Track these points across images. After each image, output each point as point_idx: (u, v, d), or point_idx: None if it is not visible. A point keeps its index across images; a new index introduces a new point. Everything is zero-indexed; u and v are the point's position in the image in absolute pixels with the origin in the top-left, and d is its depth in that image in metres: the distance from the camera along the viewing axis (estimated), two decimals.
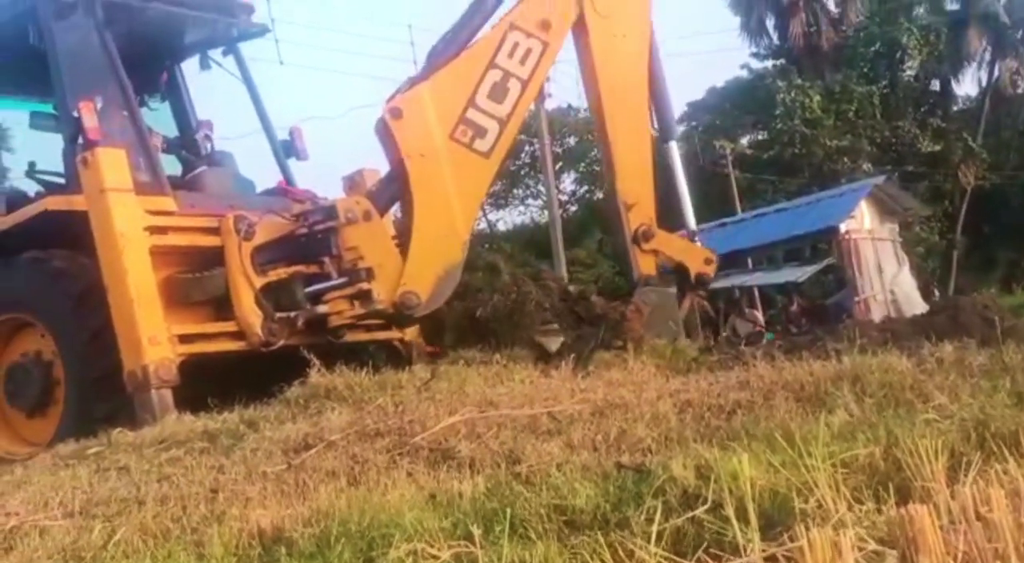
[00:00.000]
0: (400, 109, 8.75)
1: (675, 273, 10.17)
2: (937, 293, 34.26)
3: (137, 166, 9.00)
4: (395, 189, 9.03)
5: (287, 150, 10.89)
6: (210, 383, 8.18)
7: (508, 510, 3.89)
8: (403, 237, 8.98)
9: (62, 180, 9.51)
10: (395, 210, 9.86)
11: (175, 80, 11.23)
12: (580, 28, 9.63)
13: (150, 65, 10.74)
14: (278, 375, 7.62)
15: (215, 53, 10.83)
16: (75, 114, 8.75)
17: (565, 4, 9.41)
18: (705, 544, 3.11)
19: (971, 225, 41.37)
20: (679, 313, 9.77)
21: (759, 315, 23.91)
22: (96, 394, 8.37)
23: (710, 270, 10.33)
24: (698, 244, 10.97)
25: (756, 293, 27.92)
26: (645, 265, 9.86)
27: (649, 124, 10.38)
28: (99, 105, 9.34)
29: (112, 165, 8.43)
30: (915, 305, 22.86)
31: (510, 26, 9.09)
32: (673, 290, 9.87)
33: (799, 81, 40.96)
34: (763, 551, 2.83)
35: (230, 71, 10.78)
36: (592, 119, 10.28)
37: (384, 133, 8.84)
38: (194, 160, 10.44)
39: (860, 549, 2.67)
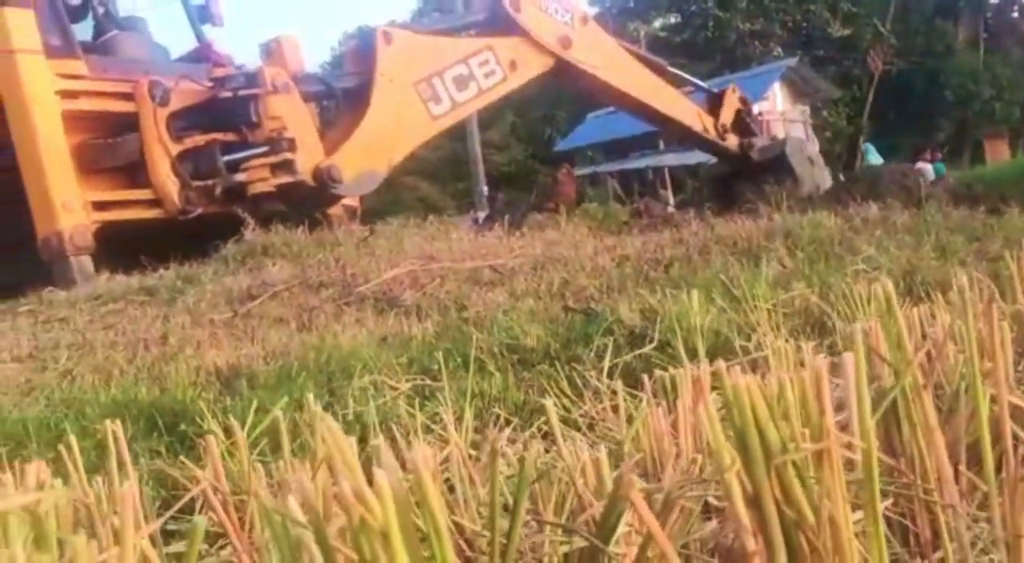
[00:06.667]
0: (393, 37, 9.58)
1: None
2: (841, 177, 34.76)
3: (47, 28, 8.70)
4: (324, 90, 9.37)
5: (202, 16, 10.62)
6: (135, 254, 8.07)
7: (462, 349, 3.99)
8: (335, 131, 9.11)
9: None
10: None
11: None
12: (592, 82, 11.47)
13: None
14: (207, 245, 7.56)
15: None
16: None
17: (534, 60, 10.85)
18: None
19: (878, 110, 41.81)
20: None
21: (670, 196, 24.15)
22: (6, 258, 8.23)
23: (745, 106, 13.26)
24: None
25: (667, 175, 28.07)
26: (733, 143, 12.57)
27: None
28: None
29: (20, 26, 8.16)
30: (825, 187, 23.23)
31: (488, 46, 10.48)
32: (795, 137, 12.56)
33: None
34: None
35: None
36: (632, 110, 12.60)
37: (365, 48, 9.62)
38: (105, 24, 10.09)
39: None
